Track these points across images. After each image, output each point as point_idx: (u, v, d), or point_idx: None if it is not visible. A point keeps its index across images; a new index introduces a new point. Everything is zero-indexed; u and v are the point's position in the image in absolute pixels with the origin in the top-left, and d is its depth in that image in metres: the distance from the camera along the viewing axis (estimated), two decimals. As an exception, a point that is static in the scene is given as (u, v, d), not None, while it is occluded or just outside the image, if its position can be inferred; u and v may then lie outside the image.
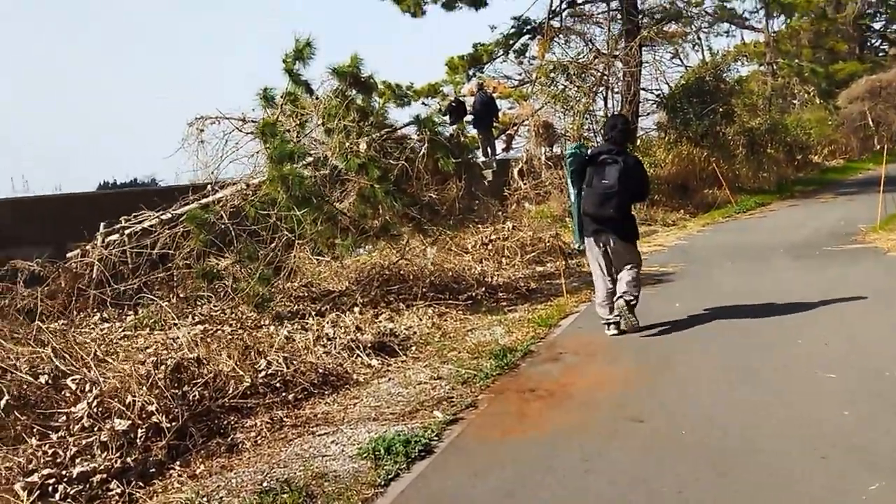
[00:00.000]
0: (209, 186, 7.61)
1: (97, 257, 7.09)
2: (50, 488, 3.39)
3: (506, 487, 3.26)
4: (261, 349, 5.07)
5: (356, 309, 6.61)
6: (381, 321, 6.38)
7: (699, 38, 20.52)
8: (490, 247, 9.16)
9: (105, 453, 3.66)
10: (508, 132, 17.00)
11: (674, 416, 3.92)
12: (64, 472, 3.48)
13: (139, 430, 3.83)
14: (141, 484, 3.54)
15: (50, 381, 4.29)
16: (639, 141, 16.16)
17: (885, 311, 5.87)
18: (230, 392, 4.44)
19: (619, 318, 5.74)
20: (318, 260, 8.02)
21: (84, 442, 3.72)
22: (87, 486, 3.44)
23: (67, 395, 4.20)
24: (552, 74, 15.93)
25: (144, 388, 4.11)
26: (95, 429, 3.81)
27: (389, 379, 5.04)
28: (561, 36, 16.91)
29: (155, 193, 8.11)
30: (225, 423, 4.21)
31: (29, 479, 3.38)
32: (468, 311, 6.88)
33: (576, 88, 15.78)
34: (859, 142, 28.65)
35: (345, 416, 4.33)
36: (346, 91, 7.25)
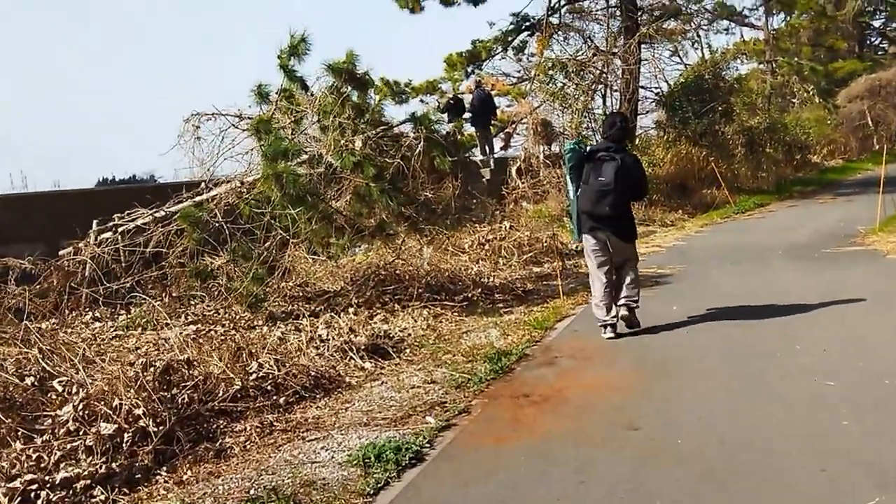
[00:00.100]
0: (203, 184, 7.54)
1: (90, 255, 7.01)
2: (32, 494, 3.32)
3: (498, 497, 3.19)
4: (253, 351, 4.99)
5: (351, 310, 6.54)
6: (375, 322, 6.31)
7: (698, 36, 20.54)
8: (487, 247, 9.10)
9: (90, 458, 3.58)
10: (507, 130, 16.95)
11: (670, 424, 3.85)
12: (47, 478, 3.40)
13: (125, 435, 3.76)
14: (126, 490, 3.47)
15: (36, 383, 4.22)
16: (637, 139, 16.08)
17: (885, 314, 5.81)
18: (220, 395, 4.36)
19: (615, 319, 5.68)
20: (312, 259, 7.95)
21: (69, 446, 3.65)
22: (71, 492, 3.36)
23: (54, 397, 4.13)
24: (551, 72, 15.85)
25: (132, 390, 4.04)
26: (81, 433, 3.74)
27: (382, 382, 4.96)
28: (560, 33, 16.81)
29: (150, 191, 8.04)
30: (214, 427, 4.14)
31: (10, 485, 3.30)
32: (464, 313, 6.82)
33: (574, 86, 15.71)
34: (858, 141, 28.58)
35: (336, 421, 4.26)
36: (341, 88, 7.15)
